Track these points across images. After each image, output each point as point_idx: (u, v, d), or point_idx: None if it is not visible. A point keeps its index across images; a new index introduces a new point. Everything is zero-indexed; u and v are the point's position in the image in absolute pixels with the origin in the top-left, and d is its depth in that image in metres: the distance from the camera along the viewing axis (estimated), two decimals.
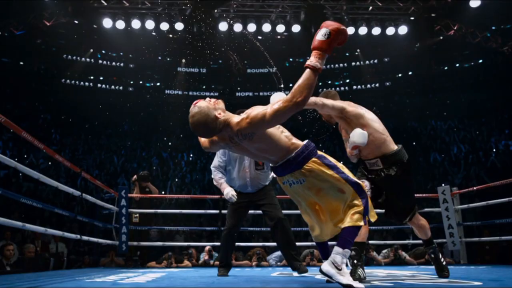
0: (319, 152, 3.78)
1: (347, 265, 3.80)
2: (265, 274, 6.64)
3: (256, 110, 3.51)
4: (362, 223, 3.62)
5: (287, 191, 4.04)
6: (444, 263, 5.00)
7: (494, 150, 22.66)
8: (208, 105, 3.69)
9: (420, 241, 10.39)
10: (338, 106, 4.69)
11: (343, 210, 3.70)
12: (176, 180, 23.94)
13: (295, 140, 3.77)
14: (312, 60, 3.31)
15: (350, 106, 4.74)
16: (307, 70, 3.31)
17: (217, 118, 3.62)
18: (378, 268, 8.29)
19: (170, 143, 29.65)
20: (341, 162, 3.89)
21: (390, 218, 5.10)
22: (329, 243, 4.25)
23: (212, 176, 6.79)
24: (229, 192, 6.43)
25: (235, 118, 3.64)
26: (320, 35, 3.30)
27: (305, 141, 3.79)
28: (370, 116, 4.75)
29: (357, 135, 4.71)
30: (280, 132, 3.72)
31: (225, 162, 6.70)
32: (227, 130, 3.69)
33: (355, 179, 3.71)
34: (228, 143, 3.85)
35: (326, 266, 3.57)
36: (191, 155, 28.35)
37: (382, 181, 4.67)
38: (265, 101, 3.48)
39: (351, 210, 3.64)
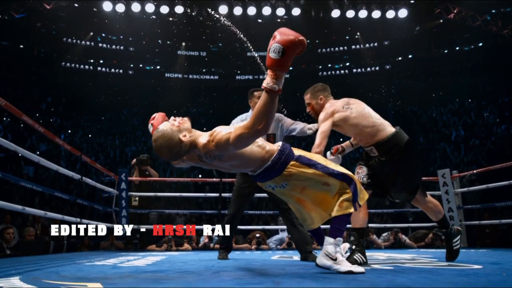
0: (296, 152, 3.68)
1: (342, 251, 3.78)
2: (265, 258, 6.63)
3: (221, 133, 3.31)
4: (351, 210, 3.59)
5: (271, 192, 4.00)
6: (455, 247, 4.86)
7: (494, 133, 22.64)
8: (171, 127, 3.46)
9: (420, 224, 10.46)
10: (330, 125, 4.64)
11: (332, 198, 3.66)
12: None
13: (269, 147, 3.63)
14: (268, 81, 2.99)
15: (335, 114, 4.61)
16: (264, 93, 3.02)
17: (181, 142, 3.42)
18: (378, 252, 8.30)
19: None
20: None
21: (394, 199, 5.05)
22: (322, 226, 4.23)
23: None
24: None
25: (201, 139, 3.46)
26: (272, 52, 2.92)
27: (280, 144, 3.70)
28: (355, 113, 4.61)
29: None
30: (251, 144, 3.50)
31: None
32: (195, 150, 3.54)
33: (338, 169, 3.64)
34: (198, 162, 3.76)
35: (320, 259, 3.59)
36: None
37: (379, 167, 4.62)
38: None
39: (340, 198, 3.60)
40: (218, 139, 3.28)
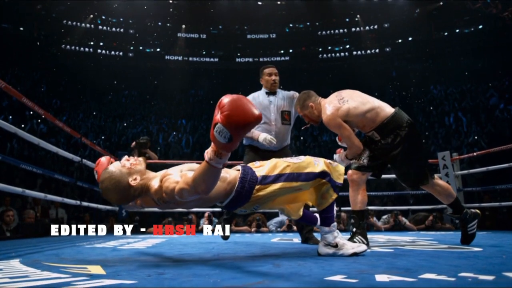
0: (259, 172, 3.45)
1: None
2: (265, 240, 6.63)
3: (169, 181, 2.95)
4: (335, 196, 3.55)
5: None
6: (471, 232, 4.72)
7: (494, 116, 22.63)
8: (121, 169, 3.14)
9: (421, 207, 10.46)
10: (345, 124, 4.57)
11: (307, 191, 3.64)
12: (178, 145, 23.99)
13: (230, 177, 3.33)
14: (212, 157, 2.53)
15: (339, 111, 4.54)
16: (206, 165, 2.58)
17: (130, 186, 3.10)
18: (378, 234, 8.30)
19: (170, 109, 29.67)
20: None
21: (402, 183, 4.99)
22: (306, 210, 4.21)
23: None
24: (266, 136, 5.73)
25: (154, 183, 3.11)
26: (218, 133, 2.36)
27: (240, 170, 3.45)
28: (353, 102, 4.56)
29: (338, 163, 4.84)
30: None
31: None
32: (148, 194, 3.17)
33: (306, 171, 3.47)
34: (154, 205, 3.29)
35: (322, 249, 3.60)
36: (191, 120, 28.36)
37: (383, 151, 4.57)
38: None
39: (320, 191, 3.57)
40: (166, 187, 2.95)
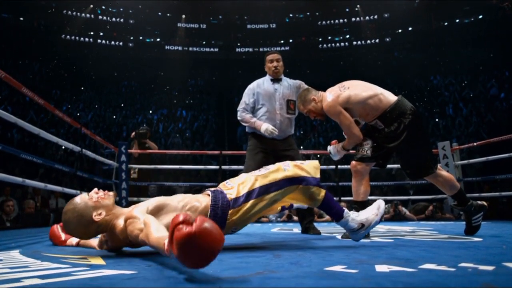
0: (230, 194, 3.30)
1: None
2: (265, 230, 6.63)
3: (133, 225, 2.77)
4: (323, 193, 3.47)
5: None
6: (475, 224, 4.63)
7: (494, 106, 22.61)
8: (87, 201, 3.00)
9: (421, 197, 10.45)
10: (346, 112, 4.56)
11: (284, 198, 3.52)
12: (178, 135, 23.98)
13: (201, 206, 3.19)
14: (167, 251, 2.02)
15: (339, 99, 4.52)
16: (163, 250, 2.15)
17: (93, 221, 2.97)
18: (378, 224, 8.30)
19: (170, 99, 29.66)
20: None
21: (405, 174, 4.96)
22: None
23: (240, 118, 6.10)
24: (268, 127, 5.75)
25: (120, 221, 2.98)
26: (174, 257, 1.89)
27: (210, 195, 3.29)
28: (355, 89, 4.54)
29: (333, 155, 5.00)
30: (180, 209, 3.11)
31: (253, 103, 6.08)
32: (114, 232, 3.03)
33: (276, 180, 3.36)
34: (122, 243, 3.14)
35: (354, 237, 3.64)
36: (191, 110, 28.35)
37: (386, 140, 4.53)
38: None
39: (305, 196, 3.47)
40: (130, 231, 2.80)
